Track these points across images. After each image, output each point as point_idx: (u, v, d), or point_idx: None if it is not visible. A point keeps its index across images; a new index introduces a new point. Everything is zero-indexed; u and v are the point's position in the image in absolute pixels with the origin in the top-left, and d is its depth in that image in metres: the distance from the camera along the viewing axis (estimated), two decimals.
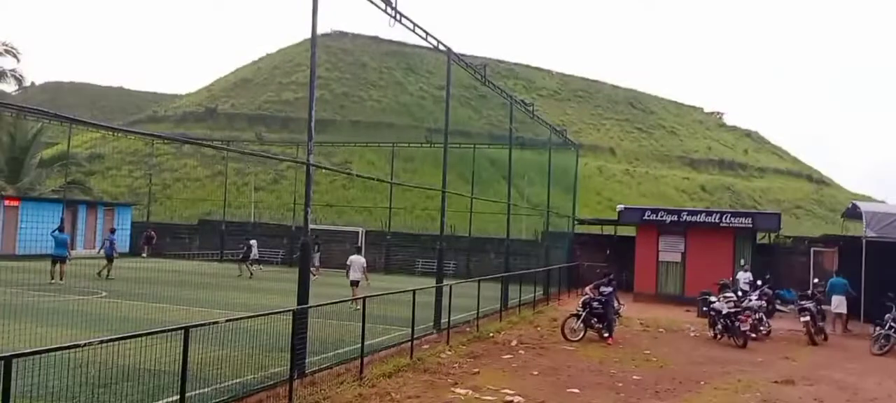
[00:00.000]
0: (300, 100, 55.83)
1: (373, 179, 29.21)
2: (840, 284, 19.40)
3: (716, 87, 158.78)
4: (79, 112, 60.47)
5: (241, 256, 27.77)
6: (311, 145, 10.59)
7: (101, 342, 6.22)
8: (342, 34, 70.30)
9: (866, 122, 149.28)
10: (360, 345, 10.42)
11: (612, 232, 31.00)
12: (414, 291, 12.47)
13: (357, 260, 18.67)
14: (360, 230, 33.71)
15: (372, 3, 12.55)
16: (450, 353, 12.75)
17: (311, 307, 10.05)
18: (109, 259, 23.28)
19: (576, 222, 30.74)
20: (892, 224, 19.55)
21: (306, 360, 9.80)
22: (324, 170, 29.64)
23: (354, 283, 18.14)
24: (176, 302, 16.06)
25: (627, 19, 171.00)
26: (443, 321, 14.44)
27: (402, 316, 12.51)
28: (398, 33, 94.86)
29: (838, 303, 19.25)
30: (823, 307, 18.54)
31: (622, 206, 28.32)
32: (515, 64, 75.13)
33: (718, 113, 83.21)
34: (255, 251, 27.64)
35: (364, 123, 54.60)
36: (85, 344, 6.05)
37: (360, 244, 25.61)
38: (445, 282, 15.30)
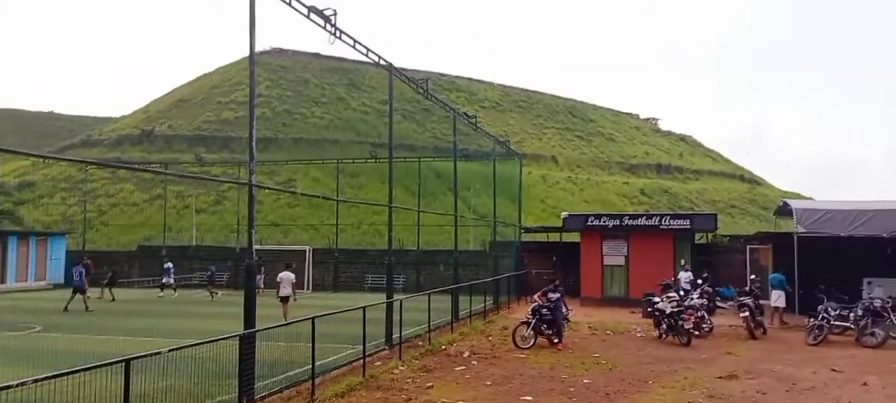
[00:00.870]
0: (240, 119, 54.84)
1: (318, 197, 28.86)
2: (777, 279, 20.22)
3: (650, 94, 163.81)
4: (6, 139, 57.85)
5: (206, 280, 28.87)
6: (253, 165, 10.40)
7: (36, 381, 5.89)
8: (281, 51, 69.54)
9: (795, 123, 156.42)
10: (310, 366, 10.26)
11: (558, 239, 31.50)
12: (364, 308, 12.36)
13: (287, 277, 19.77)
14: (306, 248, 33.27)
15: (311, 20, 12.47)
16: (403, 368, 12.68)
17: (258, 331, 9.86)
18: (80, 290, 22.44)
19: (522, 230, 31.10)
20: (820, 219, 20.49)
21: (255, 385, 9.59)
22: (267, 190, 29.20)
23: (284, 299, 19.22)
24: (117, 333, 15.49)
25: (563, 30, 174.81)
26: (394, 336, 14.37)
27: (352, 334, 12.37)
28: (339, 49, 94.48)
29: (777, 298, 20.05)
30: (761, 302, 19.28)
31: (566, 213, 28.80)
32: (456, 76, 75.78)
33: (654, 119, 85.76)
34: (171, 277, 28.71)
35: (307, 140, 53.98)
36: (17, 384, 5.70)
37: (290, 262, 24.16)
38: (395, 297, 15.23)
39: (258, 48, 10.79)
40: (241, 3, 10.30)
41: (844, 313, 16.72)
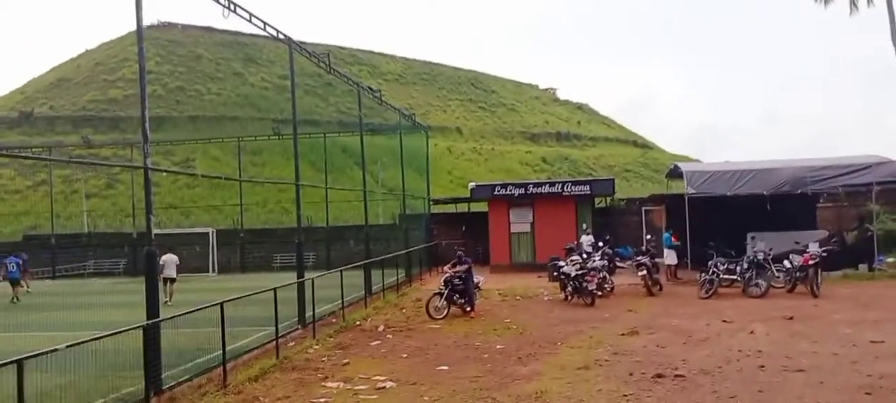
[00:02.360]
0: (130, 98, 51.68)
1: (219, 178, 27.80)
2: (669, 238, 21.48)
3: (548, 65, 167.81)
4: None
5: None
6: (148, 147, 9.88)
7: None
8: (170, 25, 65.82)
9: (680, 89, 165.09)
10: (220, 352, 9.98)
11: (466, 209, 31.98)
12: (275, 289, 12.12)
13: (170, 259, 20.42)
14: (209, 230, 32.12)
15: None
16: (317, 347, 12.58)
17: (163, 320, 9.47)
18: (15, 282, 21.71)
19: (431, 202, 31.34)
20: (708, 180, 21.83)
21: (162, 375, 9.24)
22: (165, 173, 27.81)
23: (171, 280, 20.06)
24: (7, 330, 14.45)
25: (460, 1, 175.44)
26: (307, 315, 14.20)
27: (264, 316, 12.12)
28: (233, 23, 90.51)
29: (669, 255, 21.33)
30: (657, 260, 20.43)
31: (473, 184, 29.26)
32: (358, 50, 74.55)
33: (552, 89, 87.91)
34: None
35: (204, 118, 51.61)
36: None
37: (170, 246, 22.59)
38: (307, 276, 15.02)
39: (145, 22, 10.19)
40: None
41: (732, 267, 18.01)
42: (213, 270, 31.27)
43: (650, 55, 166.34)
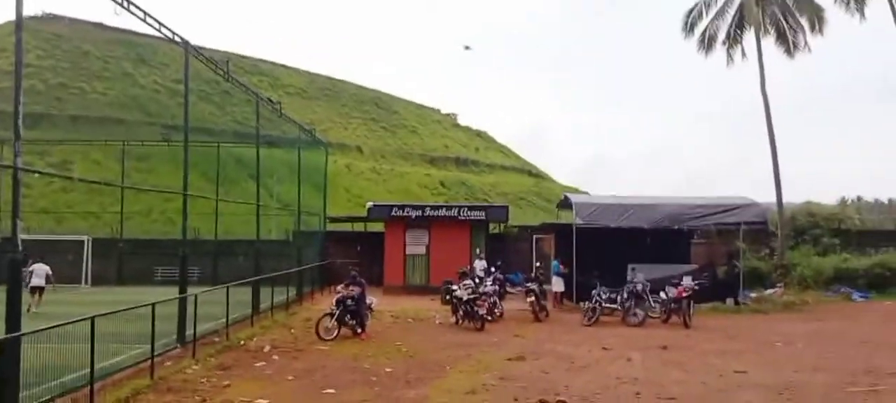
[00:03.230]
0: (3, 91, 47.64)
1: (98, 183, 26.06)
2: (557, 266, 22.28)
3: (449, 90, 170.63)
4: None
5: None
6: (19, 145, 9.13)
7: None
8: (56, 17, 61.55)
9: (575, 122, 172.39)
10: (88, 371, 9.31)
11: (363, 229, 31.74)
12: (153, 304, 11.48)
13: (40, 268, 20.03)
14: (85, 238, 30.02)
15: None
16: (197, 367, 12.01)
17: (24, 334, 8.72)
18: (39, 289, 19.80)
19: (327, 220, 30.86)
20: (595, 212, 22.89)
21: (19, 395, 8.49)
22: (37, 174, 25.77)
23: (39, 290, 19.60)
24: None
25: (368, 19, 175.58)
26: (188, 332, 13.52)
27: (140, 332, 11.41)
28: (126, 20, 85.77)
29: (556, 283, 22.10)
30: (545, 287, 21.12)
31: (371, 203, 29.15)
32: (260, 60, 72.65)
33: (453, 114, 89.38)
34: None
35: (87, 118, 48.34)
36: None
37: (41, 254, 21.42)
38: (190, 291, 14.32)
39: (27, 11, 9.53)
40: None
41: (613, 296, 18.92)
42: (87, 281, 29.22)
43: (547, 87, 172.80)
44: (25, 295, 19.93)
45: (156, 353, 11.41)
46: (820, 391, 10.64)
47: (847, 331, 17.58)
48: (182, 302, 13.79)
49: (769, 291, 24.44)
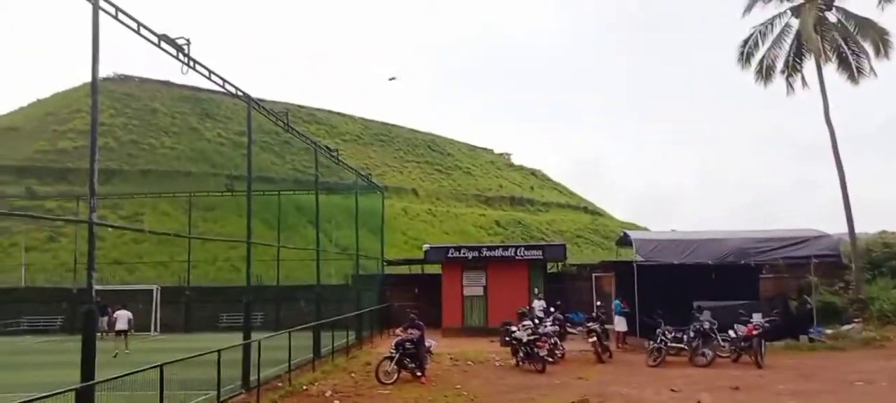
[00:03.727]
0: (79, 150, 50.41)
1: (168, 235, 27.15)
2: (620, 305, 21.78)
3: (503, 130, 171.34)
4: None
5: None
6: (95, 201, 9.63)
7: None
8: (126, 78, 65.09)
9: (629, 156, 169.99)
10: None
11: (420, 271, 31.87)
12: (219, 351, 11.76)
13: (123, 314, 23.14)
14: (154, 287, 31.13)
15: (163, 50, 11.91)
16: None
17: (98, 383, 9.05)
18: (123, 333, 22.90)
19: (385, 263, 31.14)
20: (655, 249, 22.39)
21: None
22: (111, 228, 27.02)
23: (124, 333, 22.67)
24: None
25: (418, 65, 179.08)
26: (252, 378, 13.75)
27: (206, 379, 11.71)
28: (192, 78, 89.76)
29: (619, 322, 21.57)
30: (607, 326, 20.64)
31: (428, 245, 29.29)
32: (317, 109, 74.89)
33: (507, 154, 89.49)
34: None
35: (156, 172, 50.65)
36: None
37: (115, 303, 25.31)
38: (253, 336, 14.62)
39: (102, 74, 10.09)
40: (82, 25, 9.65)
41: (679, 335, 18.30)
42: (156, 329, 30.20)
43: (599, 122, 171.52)
44: (109, 341, 22.15)
45: (221, 399, 11.64)
46: None
47: None
48: (246, 348, 14.08)
49: (846, 327, 23.16)
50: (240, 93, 15.02)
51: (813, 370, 16.64)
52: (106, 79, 63.28)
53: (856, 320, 23.94)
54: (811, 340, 21.29)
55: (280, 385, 14.71)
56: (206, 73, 13.34)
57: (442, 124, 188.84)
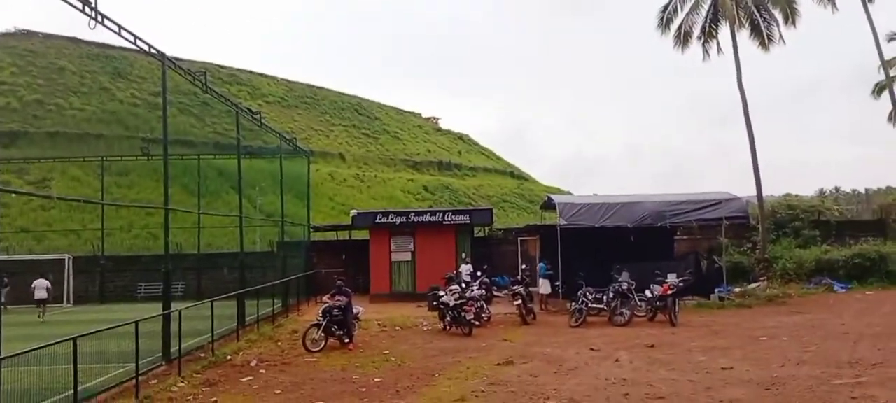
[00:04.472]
0: None
1: (78, 201, 25.79)
2: (543, 268, 22.33)
3: (430, 94, 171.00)
4: None
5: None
6: None
7: None
8: (30, 33, 60.72)
9: (555, 121, 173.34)
10: (71, 392, 9.18)
11: (348, 237, 31.62)
12: (136, 322, 11.35)
13: (41, 282, 23.93)
14: (65, 257, 29.62)
15: (66, 2, 11.15)
16: (183, 385, 11.88)
17: (4, 357, 8.58)
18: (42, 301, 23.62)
19: (311, 229, 30.70)
20: (578, 212, 22.96)
21: None
22: (14, 194, 25.39)
23: (43, 302, 23.54)
24: None
25: (344, 26, 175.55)
26: (173, 349, 13.37)
27: (124, 351, 11.29)
28: (102, 34, 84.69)
29: (543, 285, 22.15)
30: (532, 289, 21.15)
31: (355, 211, 29.04)
32: (239, 70, 72.18)
33: (434, 118, 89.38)
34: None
35: (65, 134, 47.75)
36: None
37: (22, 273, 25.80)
38: (173, 307, 14.15)
39: (0, 29, 9.38)
40: None
41: (599, 296, 18.98)
42: (69, 300, 28.84)
43: (526, 88, 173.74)
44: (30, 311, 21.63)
45: (141, 372, 11.29)
46: (806, 384, 10.75)
47: (830, 323, 17.78)
48: (166, 319, 13.65)
49: (753, 285, 24.66)
50: (153, 51, 14.29)
51: (722, 326, 17.63)
52: (6, 34, 59.00)
53: (761, 278, 25.52)
54: (721, 298, 22.54)
55: (202, 355, 14.38)
56: (117, 29, 12.61)
57: (369, 88, 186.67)
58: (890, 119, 35.11)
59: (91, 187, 35.88)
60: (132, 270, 30.34)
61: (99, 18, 11.87)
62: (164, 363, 13.20)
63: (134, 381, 11.03)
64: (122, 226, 35.45)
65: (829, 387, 10.51)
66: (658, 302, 18.77)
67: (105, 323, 11.21)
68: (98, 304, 28.33)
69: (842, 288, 25.21)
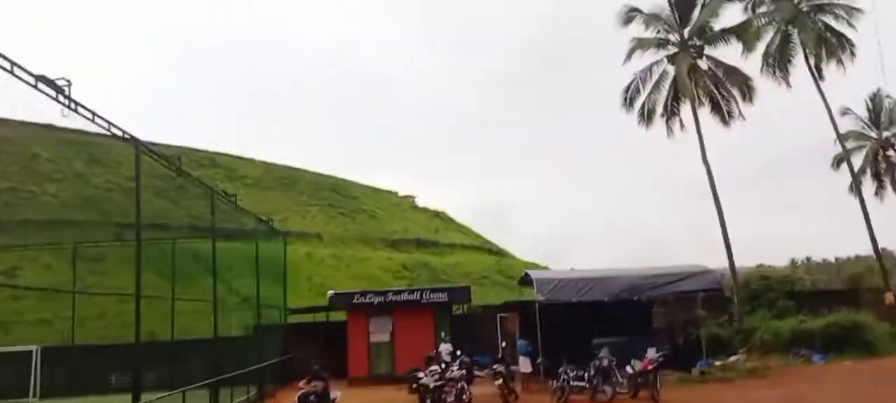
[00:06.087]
0: None
1: (46, 290, 25.30)
2: (524, 346, 22.20)
3: (407, 172, 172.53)
4: None
5: None
6: None
7: None
8: (2, 121, 60.71)
9: (528, 199, 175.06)
10: None
11: (325, 318, 31.23)
12: None
13: None
14: (33, 349, 28.72)
15: (40, 91, 11.32)
16: None
17: None
18: None
19: (288, 312, 30.29)
20: (555, 288, 23.03)
21: None
22: None
23: None
24: None
25: (322, 108, 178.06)
26: None
27: None
28: (77, 121, 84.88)
29: (523, 363, 21.96)
30: (513, 368, 20.95)
31: (332, 292, 28.85)
32: (216, 153, 72.51)
33: (411, 196, 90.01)
34: None
35: (38, 222, 47.11)
36: None
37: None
38: (145, 397, 13.79)
39: None
40: None
41: (580, 373, 18.85)
42: (35, 394, 27.82)
43: (502, 167, 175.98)
44: None
45: None
46: None
47: (811, 396, 17.79)
48: None
49: (733, 358, 24.70)
50: (127, 136, 14.44)
51: (705, 401, 17.54)
52: None
53: (740, 351, 25.60)
54: (702, 372, 22.50)
55: None
56: (90, 116, 12.77)
57: (346, 167, 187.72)
58: (850, 190, 36.23)
59: (64, 274, 35.18)
60: (103, 360, 29.48)
61: (72, 106, 12.04)
62: None
63: None
64: (93, 314, 34.59)
65: None
66: (640, 379, 18.67)
67: None
68: (66, 397, 27.35)
69: (820, 359, 25.32)
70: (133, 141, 14.78)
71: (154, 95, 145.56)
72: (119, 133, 14.12)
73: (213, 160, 68.94)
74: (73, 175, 56.57)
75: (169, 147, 46.00)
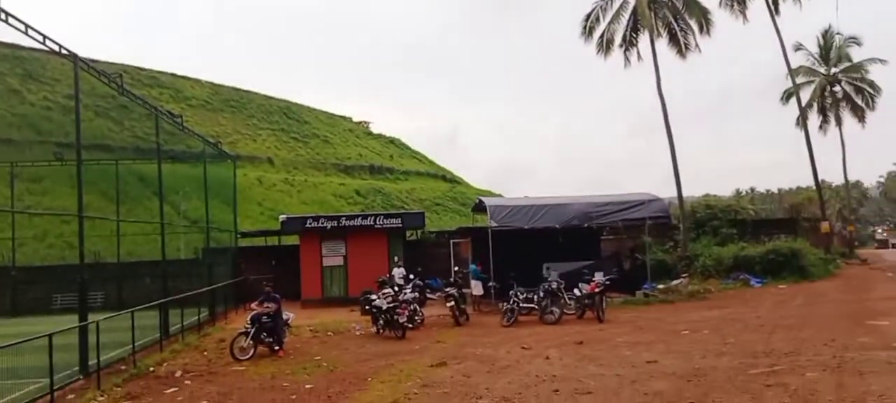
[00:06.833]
0: None
1: None
2: (474, 270, 22.54)
3: (362, 98, 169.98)
4: None
5: None
6: None
7: None
8: None
9: (484, 127, 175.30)
10: None
11: (277, 242, 30.98)
12: (50, 334, 10.75)
13: None
14: None
15: None
16: (102, 399, 11.36)
17: None
18: None
19: (239, 235, 29.89)
20: (508, 214, 23.32)
21: None
22: None
23: None
24: None
25: (272, 29, 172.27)
26: (91, 363, 12.74)
27: (38, 366, 10.68)
28: (11, 34, 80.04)
29: (475, 286, 22.35)
30: (465, 291, 21.30)
31: (284, 216, 28.51)
32: (160, 72, 69.50)
33: (366, 122, 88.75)
34: None
35: None
36: None
37: None
38: (91, 318, 13.48)
39: None
40: None
41: (530, 296, 19.31)
42: None
43: (459, 95, 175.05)
44: None
45: (56, 387, 10.74)
46: (725, 375, 11.24)
47: (747, 316, 18.68)
48: (82, 331, 12.99)
49: (675, 282, 25.64)
50: (64, 52, 13.61)
51: (647, 322, 18.26)
52: None
53: (683, 275, 26.58)
54: (645, 295, 23.33)
55: (123, 368, 13.77)
56: (23, 28, 11.94)
57: (298, 91, 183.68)
58: (797, 123, 37.29)
59: (1, 195, 33.82)
60: (47, 281, 28.71)
61: (2, 15, 11.23)
62: (81, 377, 12.56)
63: (49, 397, 10.46)
64: (35, 236, 33.52)
65: (747, 377, 11.03)
66: (586, 300, 19.25)
67: (16, 336, 10.57)
68: (9, 317, 26.68)
69: (758, 282, 26.54)
70: (71, 56, 13.93)
71: (94, 10, 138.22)
72: (55, 47, 13.27)
73: (156, 79, 66.18)
74: (8, 91, 53.59)
75: (110, 65, 43.88)
